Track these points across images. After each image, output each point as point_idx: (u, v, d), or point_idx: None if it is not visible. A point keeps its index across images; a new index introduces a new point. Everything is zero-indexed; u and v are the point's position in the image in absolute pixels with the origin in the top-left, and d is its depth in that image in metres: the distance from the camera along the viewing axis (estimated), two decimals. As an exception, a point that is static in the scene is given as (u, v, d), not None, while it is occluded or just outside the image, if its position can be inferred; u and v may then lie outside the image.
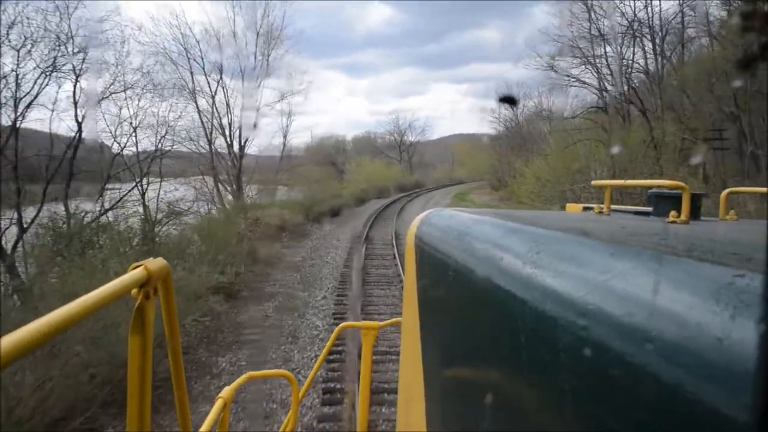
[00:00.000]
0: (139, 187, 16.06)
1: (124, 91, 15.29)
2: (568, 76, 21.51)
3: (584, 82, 21.21)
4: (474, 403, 1.06)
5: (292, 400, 2.92)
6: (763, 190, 2.08)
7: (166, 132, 18.00)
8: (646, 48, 20.05)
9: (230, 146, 25.79)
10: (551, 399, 0.74)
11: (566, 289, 0.73)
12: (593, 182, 2.00)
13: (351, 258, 15.07)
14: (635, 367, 0.55)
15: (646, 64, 19.80)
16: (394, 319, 3.25)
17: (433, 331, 1.42)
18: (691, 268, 0.60)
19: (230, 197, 25.41)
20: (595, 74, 20.54)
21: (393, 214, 26.51)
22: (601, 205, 1.62)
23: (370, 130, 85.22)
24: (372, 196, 40.63)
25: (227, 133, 25.88)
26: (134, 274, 0.95)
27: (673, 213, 1.22)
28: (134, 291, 0.95)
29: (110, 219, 12.72)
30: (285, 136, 31.68)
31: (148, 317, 0.98)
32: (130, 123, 16.27)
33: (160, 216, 13.60)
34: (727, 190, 1.67)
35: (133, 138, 16.35)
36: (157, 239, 11.53)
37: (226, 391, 2.14)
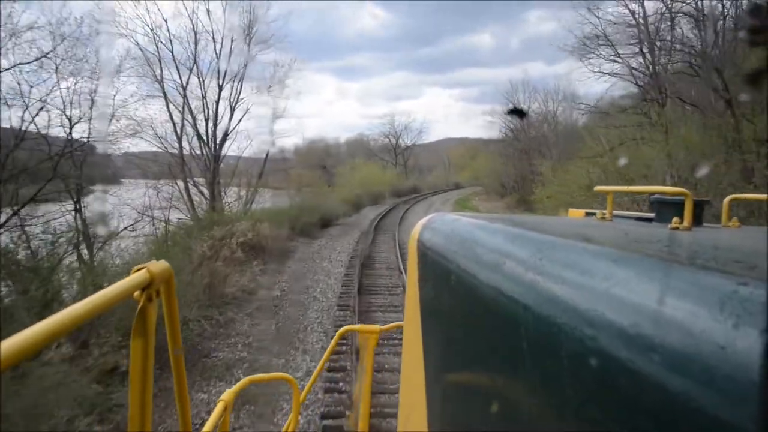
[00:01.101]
0: (73, 193, 12.21)
1: (39, 60, 11.35)
2: (615, 55, 17.95)
3: (632, 69, 17.68)
4: (475, 409, 1.07)
5: (293, 403, 2.94)
6: (764, 197, 1.98)
7: (110, 121, 14.06)
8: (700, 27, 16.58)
9: (203, 142, 21.95)
10: (553, 406, 0.74)
11: (569, 296, 0.72)
12: (596, 188, 1.78)
13: (347, 291, 11.34)
14: (638, 375, 0.55)
15: (703, 45, 16.29)
16: (396, 323, 3.16)
17: (435, 336, 1.41)
18: (694, 276, 0.60)
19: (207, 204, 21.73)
20: (647, 60, 17.08)
21: (393, 225, 22.81)
22: (604, 211, 1.58)
23: (362, 133, 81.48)
24: (367, 203, 36.97)
25: (202, 130, 22.08)
26: (137, 276, 0.95)
27: (675, 219, 1.20)
28: (137, 293, 0.95)
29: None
30: (271, 135, 27.93)
31: (151, 319, 0.99)
32: (62, 110, 12.38)
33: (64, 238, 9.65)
34: (729, 197, 1.63)
35: (63, 129, 12.45)
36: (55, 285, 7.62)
37: (227, 394, 2.09)
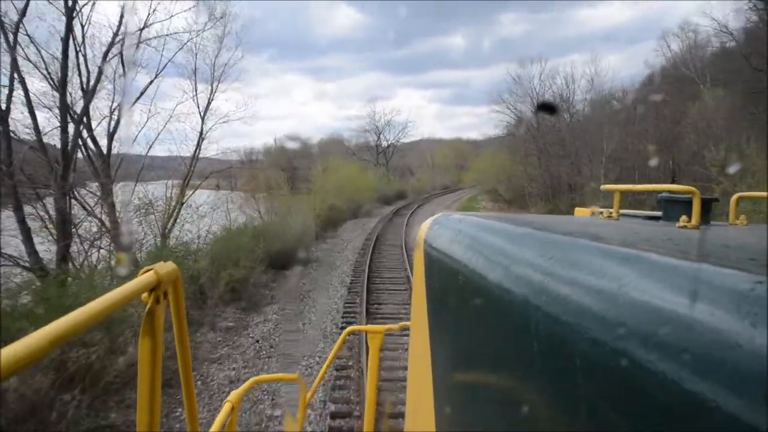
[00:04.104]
0: None
1: None
2: None
3: None
4: (483, 410, 1.06)
5: (299, 403, 2.93)
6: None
7: None
8: None
9: (72, 117, 12.19)
10: (564, 406, 0.73)
11: (579, 296, 0.72)
12: (602, 187, 1.67)
13: None
14: (653, 375, 0.54)
15: None
16: (402, 323, 3.02)
17: (442, 335, 1.40)
18: (708, 274, 0.58)
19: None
20: None
21: (395, 264, 13.53)
22: (610, 210, 1.56)
23: (337, 132, 71.71)
24: (347, 215, 27.59)
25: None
26: (144, 278, 0.95)
27: (683, 218, 1.20)
28: (144, 295, 0.95)
29: None
30: (203, 119, 18.24)
31: (158, 321, 0.99)
32: None
33: None
34: (736, 195, 1.63)
35: None
36: None
37: (234, 395, 2.11)
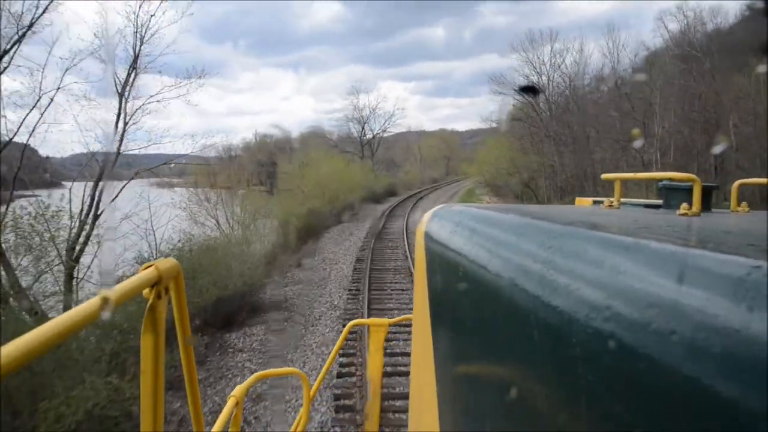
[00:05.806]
0: None
1: None
2: None
3: None
4: (486, 403, 1.06)
5: (304, 398, 2.88)
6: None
7: None
8: None
9: None
10: (566, 396, 0.73)
11: (581, 285, 0.71)
12: (603, 176, 1.70)
13: None
14: (652, 362, 0.54)
15: None
16: (406, 316, 2.96)
17: (444, 329, 1.39)
18: (706, 260, 0.58)
19: None
20: None
21: (407, 309, 8.54)
22: (611, 199, 1.55)
23: (317, 125, 66.72)
24: (329, 219, 22.45)
25: None
26: (146, 273, 0.95)
27: (684, 205, 1.18)
28: (146, 291, 0.95)
29: None
30: (121, 95, 12.79)
31: (160, 316, 0.99)
32: None
33: None
34: (738, 182, 1.63)
35: None
36: None
37: (238, 390, 2.10)
